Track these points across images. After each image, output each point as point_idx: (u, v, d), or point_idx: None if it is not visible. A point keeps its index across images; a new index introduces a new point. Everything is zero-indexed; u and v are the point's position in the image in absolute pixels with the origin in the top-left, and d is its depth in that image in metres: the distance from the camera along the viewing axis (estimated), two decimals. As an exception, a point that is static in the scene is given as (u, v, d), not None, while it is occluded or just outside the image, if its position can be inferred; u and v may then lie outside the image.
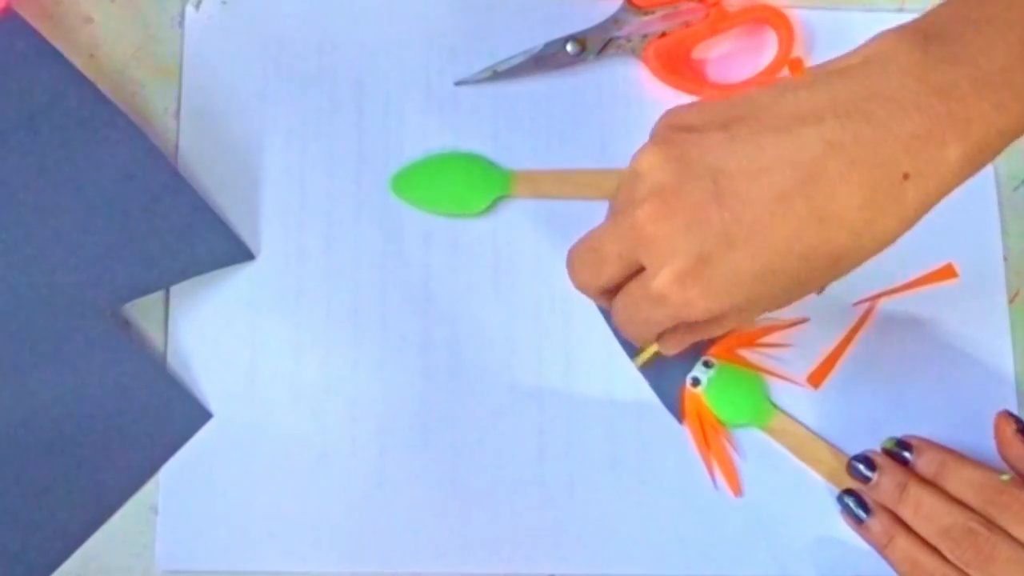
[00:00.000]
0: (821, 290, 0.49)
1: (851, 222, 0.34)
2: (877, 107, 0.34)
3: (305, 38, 0.51)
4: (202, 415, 0.47)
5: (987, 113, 0.33)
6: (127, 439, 0.46)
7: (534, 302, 0.49)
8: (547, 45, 0.51)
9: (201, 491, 0.46)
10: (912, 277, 0.50)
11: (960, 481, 0.44)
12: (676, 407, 0.48)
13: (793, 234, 0.34)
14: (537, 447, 0.48)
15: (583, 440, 0.48)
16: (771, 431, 0.48)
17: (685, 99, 0.50)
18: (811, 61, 0.52)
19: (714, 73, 0.53)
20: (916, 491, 0.44)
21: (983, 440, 0.46)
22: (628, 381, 0.48)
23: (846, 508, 0.45)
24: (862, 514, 0.45)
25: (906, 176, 0.33)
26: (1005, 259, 0.50)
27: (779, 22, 0.52)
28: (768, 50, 0.52)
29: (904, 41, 0.35)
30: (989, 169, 0.51)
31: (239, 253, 0.48)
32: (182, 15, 0.51)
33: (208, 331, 0.48)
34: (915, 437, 0.46)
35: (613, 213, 0.39)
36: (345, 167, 0.50)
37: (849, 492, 0.46)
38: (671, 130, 0.37)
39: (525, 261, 0.50)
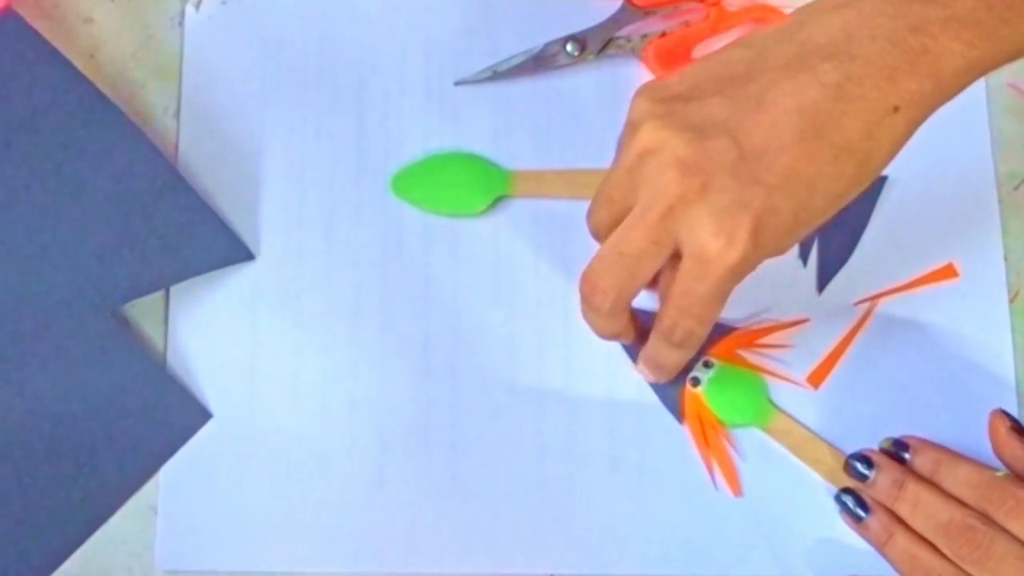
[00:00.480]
0: (821, 290, 0.49)
1: (857, 153, 0.36)
2: (857, 46, 0.36)
3: (305, 38, 0.51)
4: (202, 415, 0.47)
5: (956, 48, 0.35)
6: (127, 439, 0.46)
7: (534, 302, 0.49)
8: (547, 45, 0.51)
9: (201, 491, 0.47)
10: (912, 277, 0.50)
11: (956, 478, 0.44)
12: (676, 407, 0.48)
13: (817, 171, 0.36)
14: (537, 447, 0.48)
15: (583, 440, 0.48)
16: (771, 431, 0.48)
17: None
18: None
19: (714, 73, 0.53)
20: (914, 488, 0.44)
21: (983, 440, 0.46)
22: (628, 381, 0.48)
23: (844, 507, 0.45)
24: (861, 512, 0.45)
25: (896, 109, 0.36)
26: (1005, 259, 0.50)
27: (779, 22, 0.51)
28: (768, 50, 0.52)
29: None
30: (989, 169, 0.51)
31: (239, 253, 0.48)
32: (182, 15, 0.51)
33: (208, 331, 0.48)
34: (912, 437, 0.46)
35: (636, 210, 0.38)
36: (345, 167, 0.50)
37: (847, 491, 0.46)
38: (662, 103, 0.37)
39: (525, 261, 0.50)
